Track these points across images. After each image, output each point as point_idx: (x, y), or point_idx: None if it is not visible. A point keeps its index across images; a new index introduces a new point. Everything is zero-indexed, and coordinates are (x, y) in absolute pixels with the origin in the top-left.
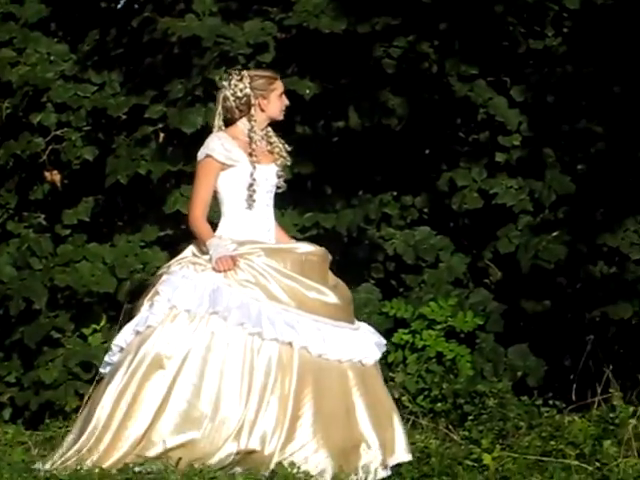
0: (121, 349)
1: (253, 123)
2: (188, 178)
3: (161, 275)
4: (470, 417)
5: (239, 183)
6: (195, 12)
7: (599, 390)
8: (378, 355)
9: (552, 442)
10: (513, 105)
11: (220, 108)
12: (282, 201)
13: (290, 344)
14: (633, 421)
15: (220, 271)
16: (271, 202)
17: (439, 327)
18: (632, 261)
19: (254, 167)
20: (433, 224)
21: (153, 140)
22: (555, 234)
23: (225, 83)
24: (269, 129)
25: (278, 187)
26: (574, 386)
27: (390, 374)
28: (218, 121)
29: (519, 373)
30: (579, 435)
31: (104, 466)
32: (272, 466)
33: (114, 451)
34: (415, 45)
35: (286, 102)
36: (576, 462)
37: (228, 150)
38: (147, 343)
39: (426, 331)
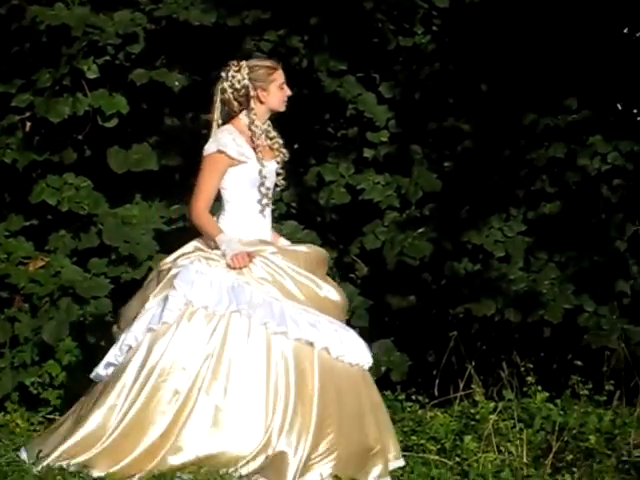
0: (130, 348)
1: (253, 116)
2: (54, 168)
3: (164, 270)
4: None
5: (247, 180)
6: (64, 1)
7: (461, 386)
8: (369, 359)
9: (413, 437)
10: (382, 101)
11: (218, 101)
12: (149, 193)
13: (312, 344)
14: (493, 417)
15: (236, 268)
16: (270, 201)
17: None
18: (496, 259)
19: (262, 165)
20: (300, 218)
21: (19, 129)
22: (421, 231)
23: (223, 74)
24: (269, 123)
25: (277, 185)
26: (437, 381)
27: None
28: (217, 115)
29: (383, 368)
30: (440, 430)
31: (115, 469)
32: (298, 472)
33: (121, 456)
34: (285, 39)
35: (288, 92)
36: (436, 457)
37: (240, 146)
38: (162, 341)
39: None
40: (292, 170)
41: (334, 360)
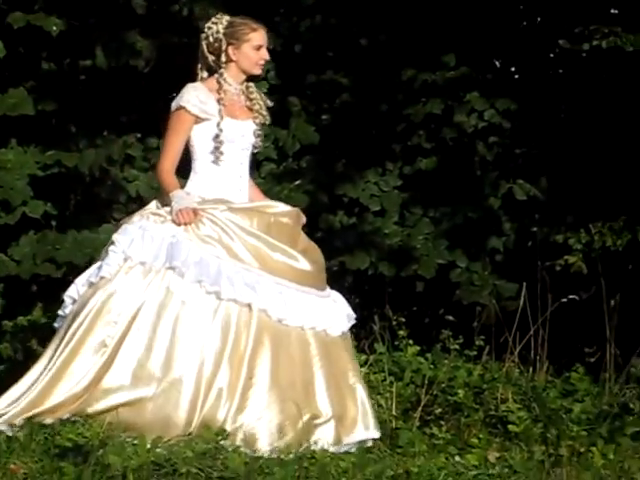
0: (74, 301)
1: (223, 71)
2: None
3: (120, 226)
4: None
5: (211, 138)
6: None
7: None
8: (346, 326)
9: None
10: None
11: (200, 55)
12: (25, 138)
13: (249, 306)
14: (364, 369)
15: (180, 223)
16: (246, 160)
17: None
18: (371, 212)
19: (222, 117)
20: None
21: None
22: (297, 183)
23: (206, 26)
24: (250, 84)
25: (255, 147)
26: None
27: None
28: (200, 71)
29: None
30: None
31: (35, 412)
32: (225, 433)
33: (47, 400)
34: None
35: (265, 56)
36: None
37: (203, 102)
38: (97, 294)
39: None
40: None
41: (276, 323)
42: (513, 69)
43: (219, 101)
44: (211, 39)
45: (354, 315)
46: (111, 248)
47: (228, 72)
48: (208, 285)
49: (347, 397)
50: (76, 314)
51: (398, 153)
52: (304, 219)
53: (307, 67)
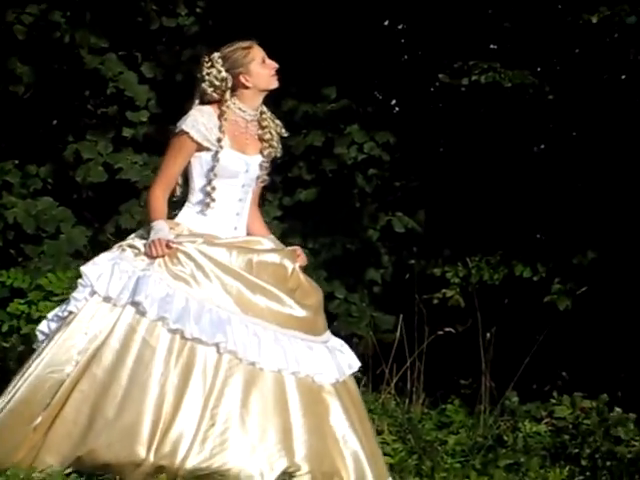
0: (46, 336)
1: (228, 98)
2: None
3: None
4: None
5: (212, 169)
6: None
7: None
8: (341, 374)
9: None
10: (143, 81)
11: (198, 102)
12: None
13: (217, 346)
14: None
15: (152, 256)
16: (247, 197)
17: (56, 299)
18: None
19: (220, 147)
20: (56, 195)
21: None
22: (176, 212)
23: (198, 75)
24: (265, 110)
25: (262, 181)
26: None
27: (4, 344)
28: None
29: None
30: None
31: None
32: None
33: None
34: (47, 13)
35: (273, 65)
36: None
37: (208, 129)
38: (62, 330)
39: (43, 302)
40: (49, 146)
41: (247, 366)
42: (393, 102)
43: (220, 128)
44: (216, 82)
45: (358, 363)
46: (79, 281)
47: (242, 100)
48: (171, 322)
49: (334, 451)
50: (41, 349)
51: (278, 184)
52: (303, 259)
53: (188, 96)
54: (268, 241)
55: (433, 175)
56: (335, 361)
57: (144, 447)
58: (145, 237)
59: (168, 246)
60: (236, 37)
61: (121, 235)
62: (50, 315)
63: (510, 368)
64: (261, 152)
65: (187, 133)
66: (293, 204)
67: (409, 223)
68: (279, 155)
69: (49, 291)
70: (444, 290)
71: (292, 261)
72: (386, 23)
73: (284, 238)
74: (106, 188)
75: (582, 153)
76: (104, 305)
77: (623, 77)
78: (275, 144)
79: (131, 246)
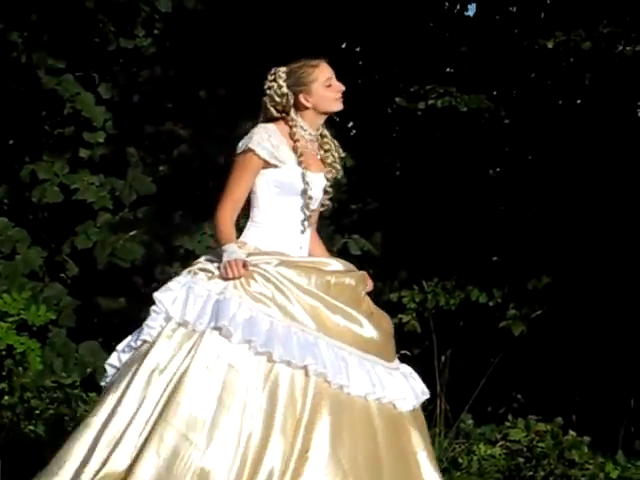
0: (117, 369)
1: (293, 115)
2: None
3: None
4: (36, 412)
5: (276, 187)
6: None
7: None
8: (417, 401)
9: None
10: (100, 102)
11: (262, 119)
12: None
13: (305, 369)
14: None
15: (229, 278)
16: (310, 216)
17: (11, 320)
18: None
19: (287, 164)
20: (12, 215)
21: None
22: (133, 233)
23: (266, 87)
24: (325, 132)
25: (322, 205)
26: None
27: None
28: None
29: (89, 369)
30: None
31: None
32: None
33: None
34: (5, 34)
35: (340, 87)
36: None
37: (275, 146)
38: (137, 361)
39: None
40: (5, 166)
41: (335, 390)
42: (350, 125)
43: (295, 149)
44: (277, 98)
45: (427, 391)
46: (153, 308)
47: (303, 118)
48: (258, 346)
49: (418, 478)
50: (114, 384)
51: None
52: (371, 284)
53: (146, 117)
54: (338, 263)
55: (390, 198)
56: (411, 387)
57: (237, 477)
58: (216, 260)
59: (245, 267)
60: (193, 59)
61: (77, 256)
62: (120, 347)
63: (465, 391)
64: (325, 176)
65: (253, 151)
66: None
67: (365, 246)
68: (340, 176)
69: (4, 312)
70: (401, 316)
71: (364, 285)
72: (344, 46)
73: None
74: (62, 209)
75: (537, 177)
76: (181, 331)
77: (578, 102)
78: (338, 167)
79: (203, 269)
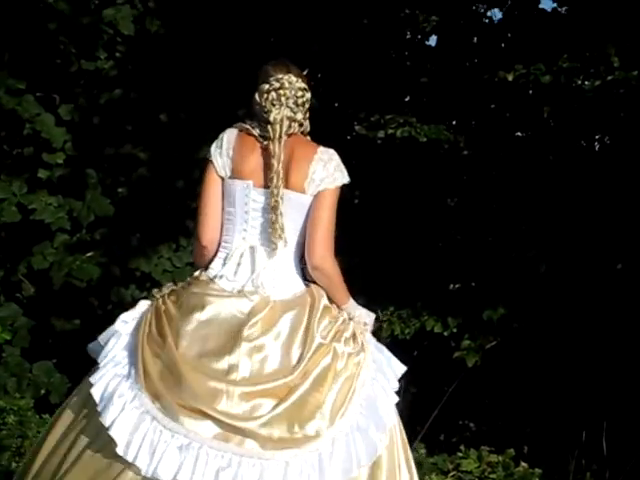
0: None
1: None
2: None
3: None
4: None
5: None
6: None
7: None
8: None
9: None
10: (60, 123)
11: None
12: None
13: None
14: None
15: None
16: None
17: None
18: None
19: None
20: None
21: None
22: (90, 254)
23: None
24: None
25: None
26: None
27: None
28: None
29: (43, 390)
30: None
31: None
32: None
33: None
34: None
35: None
36: None
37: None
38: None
39: None
40: None
41: None
42: None
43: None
44: (307, 105)
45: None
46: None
47: None
48: None
49: None
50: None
51: (192, 229)
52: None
53: (105, 140)
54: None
55: (347, 226)
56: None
57: None
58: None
59: None
60: (154, 82)
61: (33, 276)
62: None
63: (418, 420)
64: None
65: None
66: None
67: None
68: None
69: None
70: None
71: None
72: (305, 72)
73: None
74: (19, 229)
75: (494, 207)
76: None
77: (536, 134)
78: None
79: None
